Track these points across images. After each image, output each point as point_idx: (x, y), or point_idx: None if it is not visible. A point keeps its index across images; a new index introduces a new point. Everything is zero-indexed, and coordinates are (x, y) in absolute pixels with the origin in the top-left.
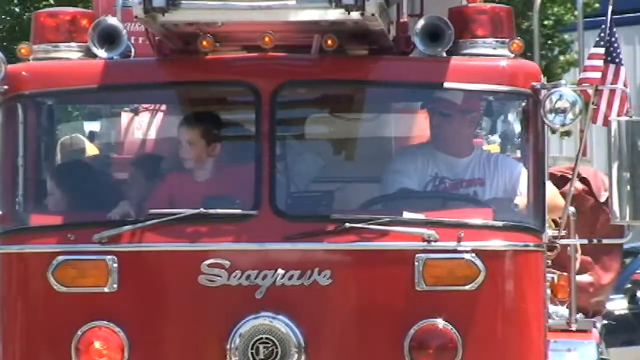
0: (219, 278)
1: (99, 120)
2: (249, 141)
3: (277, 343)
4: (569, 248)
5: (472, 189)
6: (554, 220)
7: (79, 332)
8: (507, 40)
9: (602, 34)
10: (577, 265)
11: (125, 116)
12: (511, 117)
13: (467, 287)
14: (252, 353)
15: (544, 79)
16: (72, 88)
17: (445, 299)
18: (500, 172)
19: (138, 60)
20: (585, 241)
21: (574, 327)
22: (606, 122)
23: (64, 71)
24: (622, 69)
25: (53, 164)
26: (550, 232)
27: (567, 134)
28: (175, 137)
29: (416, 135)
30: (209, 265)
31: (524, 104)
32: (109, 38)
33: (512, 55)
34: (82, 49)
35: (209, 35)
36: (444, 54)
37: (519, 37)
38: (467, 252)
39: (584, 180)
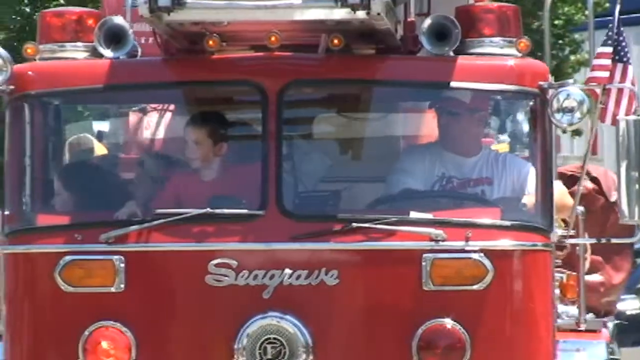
0: (226, 278)
1: (108, 120)
2: (255, 141)
3: (284, 343)
4: (577, 248)
5: (480, 189)
6: (563, 220)
7: (86, 332)
8: (514, 39)
9: (610, 33)
10: (587, 265)
11: (133, 116)
12: (519, 116)
13: (475, 287)
14: (259, 353)
15: (551, 79)
16: (78, 88)
17: (453, 298)
18: (508, 172)
19: (144, 60)
20: (594, 240)
21: (583, 327)
22: (614, 122)
23: (70, 71)
24: (630, 68)
25: (60, 164)
26: (559, 231)
27: (578, 133)
28: (182, 137)
29: (423, 135)
30: (216, 265)
31: (531, 103)
32: (115, 38)
33: (520, 54)
34: (88, 48)
35: (215, 34)
36: (451, 54)
37: (527, 37)
38: (475, 251)
39: (594, 179)
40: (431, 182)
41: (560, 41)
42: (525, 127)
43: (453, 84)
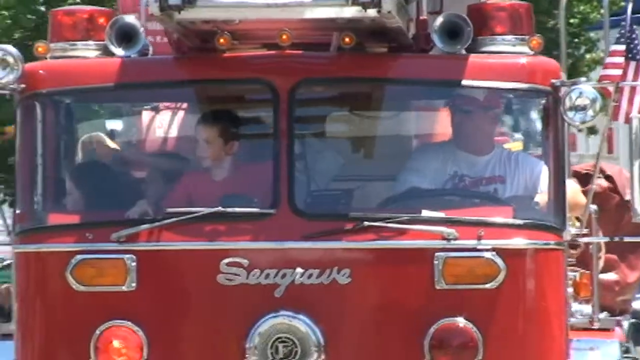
0: (237, 277)
1: (121, 118)
2: (266, 139)
3: (296, 342)
4: (591, 246)
5: (492, 187)
6: (577, 218)
7: (98, 331)
8: (526, 37)
9: (623, 31)
10: (602, 263)
11: (146, 114)
12: (531, 114)
13: (487, 286)
14: (271, 352)
15: (564, 77)
16: (89, 86)
17: (465, 297)
18: (520, 170)
19: (155, 59)
20: (607, 239)
21: (596, 325)
22: (627, 120)
23: (81, 69)
24: None
25: (72, 163)
26: (572, 230)
27: (594, 132)
28: (193, 136)
29: (435, 133)
30: (228, 264)
31: (543, 101)
32: (126, 36)
33: (532, 52)
34: (100, 47)
35: (226, 33)
36: (463, 52)
37: (541, 35)
38: (487, 250)
39: (609, 177)
40: (443, 180)
41: (576, 40)
42: (538, 125)
43: (465, 82)
